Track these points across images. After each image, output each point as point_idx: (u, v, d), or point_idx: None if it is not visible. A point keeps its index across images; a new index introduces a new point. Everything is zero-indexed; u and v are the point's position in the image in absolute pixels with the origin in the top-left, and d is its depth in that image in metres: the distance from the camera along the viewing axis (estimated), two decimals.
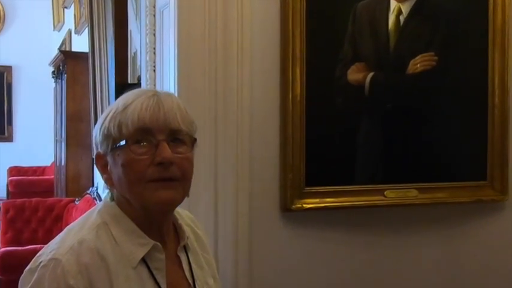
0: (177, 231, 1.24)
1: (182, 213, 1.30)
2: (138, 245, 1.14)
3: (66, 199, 5.22)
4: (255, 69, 1.84)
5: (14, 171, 8.09)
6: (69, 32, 7.01)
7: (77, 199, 4.92)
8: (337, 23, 1.92)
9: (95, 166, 1.24)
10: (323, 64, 1.90)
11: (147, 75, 1.96)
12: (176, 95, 1.69)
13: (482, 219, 2.13)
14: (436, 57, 2.00)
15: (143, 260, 1.14)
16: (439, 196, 2.03)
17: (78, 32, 6.32)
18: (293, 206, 1.88)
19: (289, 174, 1.87)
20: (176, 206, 1.19)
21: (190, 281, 1.22)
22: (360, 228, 1.99)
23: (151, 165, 1.10)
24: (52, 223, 4.91)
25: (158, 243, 1.16)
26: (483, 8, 2.05)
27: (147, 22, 1.94)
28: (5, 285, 4.06)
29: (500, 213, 2.14)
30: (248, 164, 1.82)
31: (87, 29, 5.05)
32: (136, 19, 3.32)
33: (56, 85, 6.31)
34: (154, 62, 1.94)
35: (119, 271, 1.10)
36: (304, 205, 1.90)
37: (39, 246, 3.79)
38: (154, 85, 1.94)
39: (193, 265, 1.24)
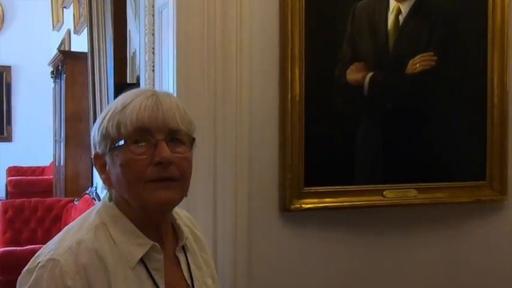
0: (175, 231, 1.24)
1: (180, 213, 1.30)
2: (137, 246, 1.13)
3: (65, 199, 5.22)
4: (254, 69, 1.83)
5: (13, 171, 8.09)
6: (68, 32, 7.01)
7: (76, 199, 4.92)
8: (337, 23, 1.92)
9: (93, 166, 1.23)
10: (322, 64, 1.90)
11: (146, 75, 1.96)
12: (175, 95, 1.69)
13: (482, 219, 2.13)
14: (435, 57, 1.99)
15: (141, 261, 1.14)
16: (438, 196, 2.03)
17: (77, 32, 6.32)
18: (292, 206, 1.88)
19: (288, 174, 1.87)
20: (175, 206, 1.19)
21: (189, 282, 1.22)
22: (359, 228, 1.99)
23: (150, 165, 1.10)
24: (51, 223, 4.90)
25: (156, 244, 1.15)
26: (482, 8, 2.05)
27: (146, 22, 1.94)
28: (4, 286, 4.06)
29: (499, 213, 2.14)
30: (247, 164, 1.82)
31: (86, 29, 5.05)
32: (135, 19, 3.32)
33: (55, 85, 6.31)
34: (153, 62, 1.94)
35: (117, 271, 1.10)
36: (303, 205, 1.89)
37: (38, 246, 3.80)
38: (153, 85, 1.94)
39: (191, 265, 1.24)
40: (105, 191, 1.21)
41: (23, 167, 8.17)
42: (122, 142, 1.10)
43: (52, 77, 6.36)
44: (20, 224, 4.87)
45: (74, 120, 5.59)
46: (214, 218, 1.79)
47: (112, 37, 3.85)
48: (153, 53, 1.92)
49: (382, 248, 2.02)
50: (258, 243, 1.86)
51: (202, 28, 1.75)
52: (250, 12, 1.81)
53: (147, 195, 1.11)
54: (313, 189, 1.90)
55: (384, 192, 1.98)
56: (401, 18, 1.97)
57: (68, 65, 5.65)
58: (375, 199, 1.97)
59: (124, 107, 1.11)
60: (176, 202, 1.16)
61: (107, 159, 1.14)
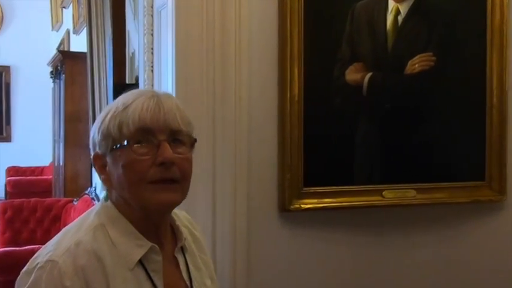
0: (174, 232, 1.24)
1: (179, 214, 1.30)
2: (136, 247, 1.13)
3: (64, 199, 5.22)
4: (253, 69, 1.83)
5: (12, 171, 8.09)
6: (68, 32, 7.01)
7: (75, 199, 4.92)
8: (335, 23, 1.92)
9: (93, 166, 1.23)
10: (321, 64, 1.90)
11: (145, 76, 1.96)
12: (174, 95, 1.69)
13: (480, 220, 2.13)
14: (434, 58, 2.00)
15: (140, 262, 1.14)
16: (437, 196, 2.03)
17: (76, 32, 6.32)
18: (291, 207, 1.88)
19: (287, 174, 1.87)
20: (175, 207, 1.19)
21: (188, 283, 1.22)
22: (358, 229, 1.99)
23: (153, 166, 1.10)
24: (50, 223, 4.90)
25: (155, 245, 1.15)
26: (481, 8, 2.05)
27: (145, 22, 1.94)
28: (3, 286, 4.05)
29: (498, 214, 2.14)
30: (246, 164, 1.82)
31: (85, 29, 5.04)
32: (134, 19, 3.32)
33: (54, 85, 6.30)
34: (152, 62, 1.94)
35: (116, 273, 1.10)
36: (303, 205, 1.89)
37: (37, 246, 3.79)
38: (152, 85, 1.94)
39: (190, 266, 1.24)
40: (103, 192, 1.21)
41: (22, 167, 8.16)
42: (124, 142, 1.10)
43: (51, 77, 6.36)
44: (19, 224, 4.87)
45: (73, 121, 5.58)
46: (213, 218, 1.79)
47: (111, 37, 3.84)
48: (152, 53, 1.93)
49: (381, 248, 2.02)
50: (257, 243, 1.86)
51: (201, 28, 1.75)
52: (249, 12, 1.81)
53: (148, 196, 1.10)
54: (313, 189, 1.90)
55: (383, 193, 1.98)
56: (400, 18, 1.97)
57: (67, 65, 5.64)
58: (374, 199, 1.97)
59: (126, 108, 1.11)
60: (177, 204, 1.16)
61: (108, 159, 1.13)
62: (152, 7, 1.94)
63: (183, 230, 1.26)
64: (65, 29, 7.20)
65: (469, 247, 2.11)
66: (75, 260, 1.08)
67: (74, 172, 5.59)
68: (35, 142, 8.24)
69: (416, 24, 1.99)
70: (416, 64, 1.99)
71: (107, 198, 1.19)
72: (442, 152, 2.06)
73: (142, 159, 1.10)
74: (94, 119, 4.67)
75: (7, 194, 7.54)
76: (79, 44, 5.93)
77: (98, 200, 4.20)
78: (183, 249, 1.24)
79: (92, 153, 1.17)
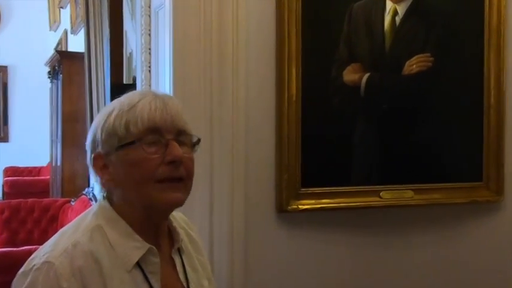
0: (171, 233, 1.24)
1: (176, 215, 1.29)
2: (133, 249, 1.13)
3: (61, 199, 5.21)
4: (251, 69, 1.83)
5: (9, 171, 8.07)
6: (65, 32, 7.00)
7: (72, 200, 4.91)
8: (333, 24, 1.92)
9: (91, 167, 1.22)
10: (319, 64, 1.90)
11: (143, 76, 1.96)
12: (171, 95, 1.68)
13: (478, 220, 2.13)
14: (431, 58, 1.99)
15: (138, 264, 1.13)
16: (434, 197, 2.03)
17: (74, 32, 6.31)
18: (289, 207, 1.88)
19: (285, 175, 1.86)
20: (181, 206, 1.18)
21: (185, 284, 1.22)
22: (355, 229, 1.99)
23: (162, 165, 1.10)
24: (48, 224, 4.90)
25: (153, 247, 1.15)
26: (479, 8, 2.05)
27: (143, 22, 1.94)
28: (0, 286, 4.05)
29: (495, 214, 2.14)
30: (243, 165, 1.82)
31: (83, 29, 5.04)
32: (132, 19, 3.32)
33: (51, 85, 6.29)
34: (149, 63, 1.93)
35: (113, 274, 1.10)
36: (300, 206, 1.89)
37: (34, 247, 3.77)
38: (150, 86, 1.93)
39: (187, 267, 1.24)
40: (101, 193, 1.21)
41: (19, 168, 8.15)
42: (134, 141, 1.10)
43: (49, 77, 6.35)
44: (17, 225, 4.86)
45: (70, 121, 5.58)
46: (210, 218, 1.78)
47: (109, 37, 3.84)
48: (150, 53, 1.92)
49: (379, 249, 2.02)
50: (255, 244, 1.86)
51: (199, 28, 1.75)
52: (246, 12, 1.80)
53: (156, 195, 1.11)
54: (310, 190, 1.90)
55: (381, 193, 1.98)
56: (397, 19, 1.97)
57: (65, 65, 5.64)
58: (372, 200, 1.97)
59: (132, 107, 1.11)
60: (182, 202, 1.16)
61: (112, 158, 1.13)
62: (150, 7, 1.94)
63: (180, 231, 1.25)
64: (63, 29, 7.20)
65: (467, 247, 2.11)
66: (72, 261, 1.07)
67: (72, 172, 5.58)
68: (33, 142, 8.22)
69: (414, 25, 1.99)
70: (414, 65, 1.99)
71: (108, 199, 1.18)
72: (439, 152, 2.06)
73: (151, 158, 1.10)
74: (92, 119, 4.68)
75: (4, 194, 7.53)
76: (77, 44, 5.92)
77: (96, 201, 4.19)
78: (179, 251, 1.24)
79: (91, 154, 1.16)
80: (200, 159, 1.72)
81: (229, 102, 1.79)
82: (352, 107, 1.95)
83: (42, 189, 6.80)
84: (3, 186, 7.72)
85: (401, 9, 1.97)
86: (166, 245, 1.22)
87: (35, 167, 8.17)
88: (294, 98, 1.86)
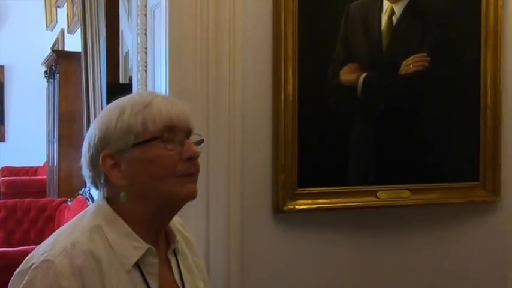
0: (167, 235, 1.24)
1: None
2: (133, 249, 1.13)
3: (58, 199, 5.19)
4: (247, 69, 1.83)
5: (6, 171, 8.04)
6: (62, 31, 6.98)
7: (69, 199, 4.90)
8: (330, 23, 1.91)
9: (92, 168, 1.22)
10: (315, 64, 1.90)
11: (139, 76, 1.95)
12: (167, 95, 1.68)
13: (475, 220, 2.13)
14: (428, 58, 1.99)
15: (136, 264, 1.13)
16: (431, 197, 2.03)
17: (71, 31, 6.30)
18: (285, 207, 1.88)
19: (281, 175, 1.86)
20: (195, 198, 1.21)
21: (180, 285, 1.22)
22: (352, 229, 1.99)
23: (180, 161, 1.13)
24: (44, 224, 4.88)
25: (152, 247, 1.15)
26: (476, 9, 2.05)
27: (139, 22, 1.93)
28: None
29: (492, 214, 2.14)
30: (240, 165, 1.82)
31: (79, 28, 5.02)
32: (128, 19, 3.31)
33: (48, 85, 6.28)
34: (145, 62, 1.92)
35: (112, 274, 1.10)
36: (297, 206, 1.89)
37: (30, 247, 3.77)
38: (146, 85, 1.93)
39: (182, 269, 1.24)
40: (100, 193, 1.20)
41: (16, 167, 8.12)
42: (155, 137, 1.12)
43: (45, 76, 6.33)
44: (13, 225, 4.85)
45: (67, 120, 5.56)
46: (207, 218, 1.78)
47: (105, 37, 3.83)
48: (146, 53, 1.91)
49: (375, 249, 2.02)
50: (251, 244, 1.86)
51: (195, 28, 1.74)
52: (243, 12, 1.80)
53: (179, 188, 1.14)
54: (307, 190, 1.90)
55: (377, 193, 1.98)
56: (394, 18, 1.97)
57: (62, 65, 5.62)
58: (368, 200, 1.97)
59: (147, 106, 1.13)
60: (196, 195, 1.19)
61: (127, 156, 1.13)
62: (146, 7, 1.93)
63: (176, 233, 1.25)
64: (59, 29, 7.18)
65: (464, 247, 2.12)
66: (72, 260, 1.07)
67: (68, 172, 5.56)
68: (29, 142, 8.19)
69: (410, 25, 1.99)
70: (410, 64, 1.99)
71: (107, 199, 1.18)
72: (436, 152, 2.06)
73: (171, 154, 1.13)
74: (88, 119, 4.67)
75: (1, 194, 7.50)
76: (73, 43, 5.90)
77: (92, 201, 4.19)
78: (175, 252, 1.24)
79: (95, 154, 1.15)
80: None
81: (226, 102, 1.78)
82: (349, 106, 1.95)
83: (39, 189, 6.78)
84: None
85: (398, 9, 1.97)
86: (162, 246, 1.22)
87: (31, 167, 8.15)
88: (291, 98, 1.86)
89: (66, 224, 1.20)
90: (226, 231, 1.80)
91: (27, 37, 8.43)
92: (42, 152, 6.91)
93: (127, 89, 2.31)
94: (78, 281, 1.06)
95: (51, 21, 7.81)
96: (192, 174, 1.16)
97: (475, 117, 2.07)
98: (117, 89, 3.33)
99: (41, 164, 7.74)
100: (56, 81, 5.74)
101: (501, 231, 2.16)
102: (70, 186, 5.44)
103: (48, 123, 6.25)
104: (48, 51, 6.65)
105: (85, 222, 1.15)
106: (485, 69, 2.06)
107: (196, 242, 1.37)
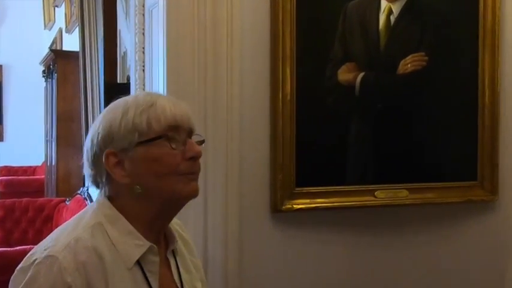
0: (165, 235, 1.25)
1: None
2: (135, 246, 1.14)
3: (56, 199, 5.19)
4: (245, 68, 1.83)
5: (4, 171, 8.03)
6: (60, 30, 6.97)
7: (67, 199, 4.89)
8: (328, 23, 1.91)
9: (94, 165, 1.23)
10: (313, 64, 1.90)
11: (137, 75, 1.95)
12: (165, 94, 1.68)
13: (473, 219, 2.13)
14: (426, 58, 1.99)
15: (138, 262, 1.14)
16: (429, 196, 2.03)
17: (69, 30, 6.29)
18: (283, 207, 1.87)
19: (279, 174, 1.86)
20: (197, 196, 1.22)
21: (179, 285, 1.23)
22: (350, 229, 1.99)
23: (183, 160, 1.15)
24: (42, 223, 4.87)
25: (154, 246, 1.16)
26: (474, 8, 2.05)
27: (136, 21, 1.93)
28: None
29: (490, 213, 2.14)
30: (238, 164, 1.82)
31: (78, 27, 5.02)
32: (126, 18, 3.31)
33: (46, 84, 6.27)
34: (143, 62, 1.92)
35: (115, 271, 1.11)
36: (295, 206, 1.89)
37: (29, 247, 3.76)
38: (144, 85, 1.93)
39: (181, 269, 1.25)
40: (101, 191, 1.20)
41: (14, 167, 8.11)
42: (160, 136, 1.14)
43: (43, 76, 6.32)
44: (11, 225, 4.84)
45: (65, 120, 5.55)
46: (205, 218, 1.78)
47: (103, 36, 3.83)
48: (144, 52, 1.91)
49: (373, 248, 2.02)
50: (249, 244, 1.86)
51: (193, 27, 1.74)
52: (240, 11, 1.80)
53: (181, 186, 1.16)
54: (305, 189, 1.90)
55: (375, 193, 1.98)
56: (392, 18, 1.97)
57: (60, 64, 5.61)
58: (366, 199, 1.97)
59: (152, 105, 1.15)
60: (198, 193, 1.21)
61: (131, 154, 1.14)
62: (143, 6, 1.93)
63: (174, 233, 1.26)
64: (58, 28, 7.17)
65: (462, 246, 2.12)
66: (76, 256, 1.07)
67: (67, 172, 5.56)
68: (27, 142, 8.18)
69: (408, 24, 1.99)
70: (408, 64, 1.99)
71: (109, 197, 1.18)
72: (434, 152, 2.06)
73: (174, 153, 1.14)
74: (87, 119, 4.67)
75: None
76: (71, 43, 5.90)
77: (91, 200, 4.18)
78: (173, 252, 1.25)
79: (98, 152, 1.16)
80: None
81: (224, 102, 1.78)
82: (347, 106, 1.95)
83: (37, 189, 6.77)
84: None
85: (396, 9, 1.97)
86: (162, 247, 1.23)
87: (29, 167, 8.14)
88: (289, 97, 1.86)
89: (67, 221, 1.21)
90: (224, 230, 1.79)
91: (25, 36, 8.41)
92: (41, 151, 6.90)
93: (125, 88, 2.31)
94: (82, 276, 1.06)
95: (49, 20, 7.81)
96: (194, 173, 1.18)
97: (473, 116, 2.07)
98: (115, 88, 3.33)
99: (39, 164, 7.73)
100: (54, 80, 5.73)
101: (499, 230, 2.16)
102: (68, 186, 5.43)
103: (46, 123, 6.24)
104: (46, 50, 6.64)
105: (87, 220, 1.15)
106: (483, 69, 2.06)
107: (193, 242, 1.38)
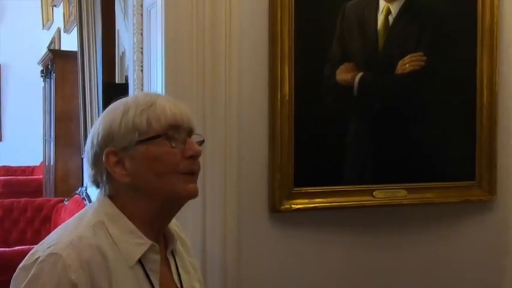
0: (165, 235, 1.25)
1: None
2: (136, 245, 1.15)
3: (55, 199, 5.18)
4: (243, 68, 1.83)
5: (2, 170, 8.02)
6: (59, 30, 6.96)
7: (66, 199, 4.89)
8: (326, 23, 1.91)
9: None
10: (312, 63, 1.90)
11: (135, 75, 1.95)
12: (164, 94, 1.68)
13: (471, 219, 2.13)
14: (424, 58, 2.00)
15: (139, 261, 1.15)
16: (427, 196, 2.03)
17: (67, 30, 6.28)
18: (282, 207, 1.87)
19: (278, 174, 1.86)
20: (196, 197, 1.23)
21: (178, 285, 1.23)
22: (349, 229, 1.99)
23: (182, 159, 1.16)
24: (41, 223, 4.87)
25: (155, 244, 1.17)
26: (472, 8, 2.05)
27: (135, 21, 1.93)
28: None
29: (488, 213, 2.14)
30: (236, 164, 1.82)
31: (76, 27, 5.01)
32: (124, 18, 3.30)
33: (44, 84, 6.26)
34: (141, 62, 1.92)
35: (118, 270, 1.11)
36: (293, 206, 1.89)
37: (27, 247, 3.76)
38: (142, 85, 1.92)
39: (180, 269, 1.26)
40: (101, 190, 1.20)
41: (12, 167, 8.10)
42: (159, 135, 1.14)
43: (42, 76, 6.31)
44: (9, 225, 4.83)
45: (64, 120, 5.55)
46: (203, 218, 1.78)
47: (101, 36, 3.82)
48: (142, 52, 1.91)
49: (372, 248, 2.02)
50: (248, 244, 1.86)
51: (191, 27, 1.74)
52: (239, 10, 1.80)
53: (180, 186, 1.16)
54: (303, 189, 1.90)
55: (374, 193, 1.98)
56: (391, 18, 1.97)
57: (58, 64, 5.60)
58: (365, 199, 1.97)
59: (152, 105, 1.16)
60: (198, 194, 1.22)
61: (131, 153, 1.15)
62: (142, 6, 1.92)
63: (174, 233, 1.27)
64: (56, 28, 7.16)
65: (460, 246, 2.12)
66: (80, 253, 1.08)
67: (65, 172, 5.56)
68: (26, 141, 8.17)
69: (407, 24, 1.99)
70: (407, 64, 1.99)
71: (110, 196, 1.19)
72: (432, 152, 2.06)
73: (174, 152, 1.16)
74: (85, 119, 4.66)
75: None
76: (70, 42, 5.89)
77: (89, 200, 4.18)
78: (172, 252, 1.26)
79: (99, 152, 1.17)
80: None
81: (222, 102, 1.78)
82: (345, 106, 1.95)
83: (35, 189, 6.76)
84: None
85: (394, 9, 1.97)
86: (162, 246, 1.23)
87: (28, 167, 8.12)
88: (287, 97, 1.86)
89: (67, 221, 1.22)
90: (223, 230, 1.79)
91: (23, 36, 8.40)
92: (39, 151, 6.89)
93: (123, 88, 2.31)
94: (87, 274, 1.07)
95: (48, 20, 7.79)
96: (193, 173, 1.19)
97: (471, 116, 2.07)
98: (113, 88, 3.33)
99: (38, 164, 7.72)
100: (52, 80, 5.72)
101: (497, 230, 2.16)
102: (67, 186, 5.43)
103: (45, 123, 6.23)
104: (44, 50, 6.63)
105: (88, 218, 1.16)
106: (481, 69, 2.07)
107: (192, 242, 1.38)
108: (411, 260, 2.06)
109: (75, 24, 5.11)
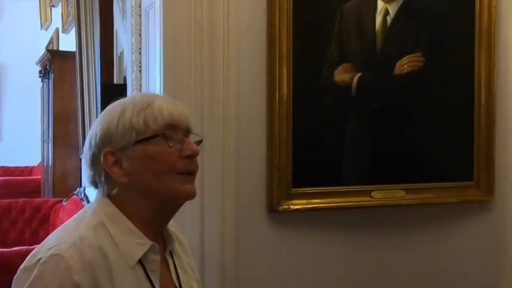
0: (163, 235, 1.25)
1: None
2: (136, 245, 1.15)
3: (53, 199, 5.17)
4: (242, 68, 1.83)
5: (0, 171, 8.01)
6: (57, 30, 6.96)
7: (64, 200, 4.88)
8: (324, 23, 1.92)
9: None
10: (310, 64, 1.90)
11: (133, 76, 1.95)
12: (162, 94, 1.68)
13: (469, 220, 2.14)
14: (422, 58, 2.00)
15: (139, 261, 1.15)
16: (426, 196, 2.04)
17: (65, 31, 6.28)
18: (280, 207, 1.88)
19: (276, 174, 1.86)
20: (194, 198, 1.23)
21: (177, 285, 1.24)
22: (347, 229, 1.99)
23: (180, 158, 1.15)
24: (39, 224, 4.86)
25: (156, 244, 1.17)
26: (470, 9, 2.06)
27: (133, 22, 1.92)
28: None
29: (486, 214, 2.15)
30: (234, 164, 1.82)
31: (74, 28, 5.01)
32: (122, 19, 3.30)
33: (43, 84, 6.25)
34: (140, 62, 1.92)
35: (119, 270, 1.12)
36: (291, 206, 1.89)
37: (25, 247, 3.75)
38: (140, 85, 1.92)
39: (178, 269, 1.26)
40: (101, 190, 1.20)
41: (10, 167, 8.08)
42: (156, 135, 1.14)
43: (40, 76, 6.31)
44: (7, 225, 4.82)
45: (62, 120, 5.54)
46: (201, 218, 1.78)
47: (99, 37, 3.82)
48: (140, 53, 1.91)
49: (370, 249, 2.02)
50: (246, 244, 1.86)
51: (189, 28, 1.74)
52: (237, 11, 1.80)
53: (177, 186, 1.16)
54: (301, 190, 1.90)
55: (372, 193, 1.98)
56: (389, 19, 1.97)
57: (56, 65, 5.60)
58: (363, 200, 1.97)
59: (149, 105, 1.16)
60: (195, 195, 1.21)
61: (128, 153, 1.15)
62: (140, 7, 1.92)
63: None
64: (54, 28, 7.15)
65: (458, 246, 2.12)
66: (83, 254, 1.08)
67: (63, 172, 5.55)
68: (24, 142, 8.16)
69: (405, 25, 1.99)
70: (405, 64, 1.99)
71: (109, 195, 1.19)
72: (430, 152, 2.06)
73: (171, 151, 1.16)
74: (83, 119, 4.66)
75: None
76: (68, 43, 5.89)
77: (87, 201, 4.17)
78: (171, 252, 1.26)
79: (97, 152, 1.17)
80: None
81: (220, 102, 1.78)
82: (344, 106, 1.95)
83: (34, 189, 6.74)
84: None
85: (392, 9, 1.97)
86: (161, 246, 1.23)
87: (26, 167, 8.11)
88: (285, 98, 1.86)
89: (67, 222, 1.22)
90: (221, 230, 1.79)
91: (21, 36, 8.39)
92: (37, 151, 6.89)
93: (121, 89, 2.31)
94: (89, 274, 1.07)
95: (46, 20, 7.78)
96: (191, 173, 1.18)
97: (469, 117, 2.08)
98: (111, 89, 3.33)
99: (36, 164, 7.71)
100: (50, 80, 5.72)
101: (495, 230, 2.16)
102: (65, 186, 5.42)
103: (43, 123, 6.23)
104: (42, 50, 6.63)
105: (88, 219, 1.16)
106: (479, 69, 2.07)
107: (190, 242, 1.39)
108: (410, 260, 2.06)
109: (74, 24, 5.11)
